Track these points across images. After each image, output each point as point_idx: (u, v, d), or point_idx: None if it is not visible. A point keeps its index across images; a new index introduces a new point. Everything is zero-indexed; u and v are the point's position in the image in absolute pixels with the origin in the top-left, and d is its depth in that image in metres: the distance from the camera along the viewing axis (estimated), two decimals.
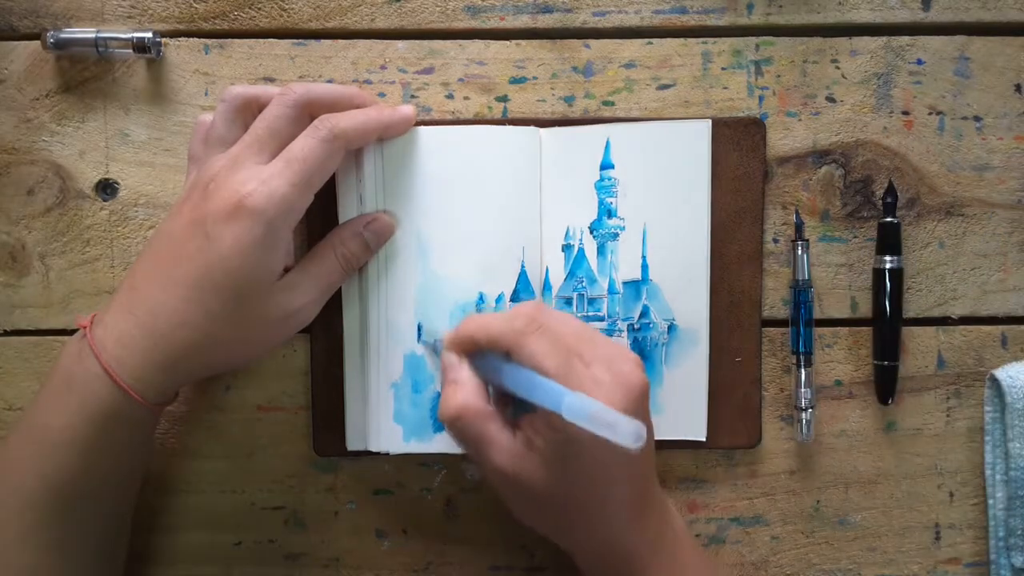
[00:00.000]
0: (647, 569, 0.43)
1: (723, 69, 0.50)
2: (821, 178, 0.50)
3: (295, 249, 0.47)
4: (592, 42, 0.50)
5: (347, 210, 0.47)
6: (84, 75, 0.50)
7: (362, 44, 0.50)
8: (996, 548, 0.50)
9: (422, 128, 0.48)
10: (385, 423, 0.48)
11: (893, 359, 0.49)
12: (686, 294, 0.49)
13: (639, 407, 0.41)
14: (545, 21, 0.50)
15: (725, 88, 0.50)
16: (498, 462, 0.42)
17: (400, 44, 0.50)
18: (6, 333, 0.51)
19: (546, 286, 0.49)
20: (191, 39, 0.50)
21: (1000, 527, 0.50)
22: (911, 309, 0.50)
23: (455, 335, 0.44)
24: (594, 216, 0.49)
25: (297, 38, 0.50)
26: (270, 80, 0.50)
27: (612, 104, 0.50)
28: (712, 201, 0.49)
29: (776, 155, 0.50)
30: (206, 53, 0.50)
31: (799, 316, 0.49)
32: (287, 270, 0.45)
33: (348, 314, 0.49)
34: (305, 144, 0.43)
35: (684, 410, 0.49)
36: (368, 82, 0.50)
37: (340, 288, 0.48)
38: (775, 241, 0.50)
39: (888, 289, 0.49)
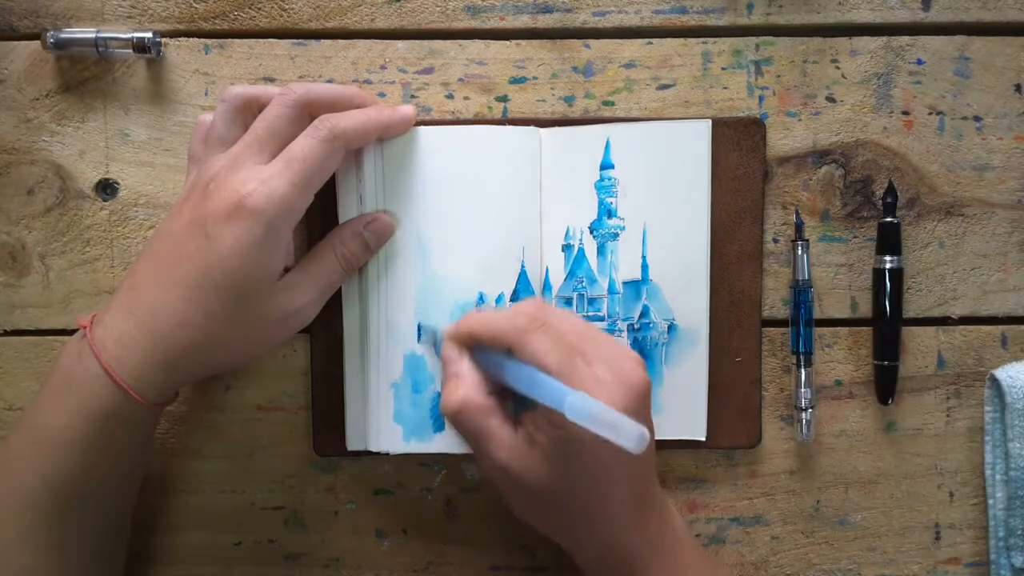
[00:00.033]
0: (647, 569, 0.43)
1: (723, 69, 0.50)
2: (821, 178, 0.50)
3: (295, 249, 0.47)
4: (592, 42, 0.50)
5: (347, 210, 0.47)
6: (84, 75, 0.50)
7: (362, 44, 0.50)
8: (996, 548, 0.50)
9: (422, 128, 0.48)
10: (385, 423, 0.48)
11: (893, 359, 0.49)
12: (686, 294, 0.49)
13: (640, 406, 0.41)
14: (545, 21, 0.50)
15: (725, 88, 0.50)
16: (499, 457, 0.42)
17: (400, 44, 0.50)
18: (6, 333, 0.51)
19: (546, 286, 0.49)
20: (191, 39, 0.50)
21: (1000, 527, 0.50)
22: (911, 309, 0.50)
23: (456, 329, 0.44)
24: (594, 216, 0.49)
25: (297, 38, 0.50)
26: (270, 80, 0.50)
27: (612, 104, 0.50)
28: (712, 201, 0.49)
29: (776, 155, 0.50)
30: (206, 53, 0.50)
31: (799, 316, 0.49)
32: (287, 270, 0.45)
33: (348, 314, 0.49)
34: (305, 144, 0.43)
35: (684, 410, 0.49)
36: (368, 82, 0.50)
37: (340, 288, 0.48)
38: (775, 241, 0.50)
39: (888, 289, 0.49)
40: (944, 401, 0.51)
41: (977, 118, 0.50)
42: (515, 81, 0.50)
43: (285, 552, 0.51)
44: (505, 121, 0.49)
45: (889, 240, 0.49)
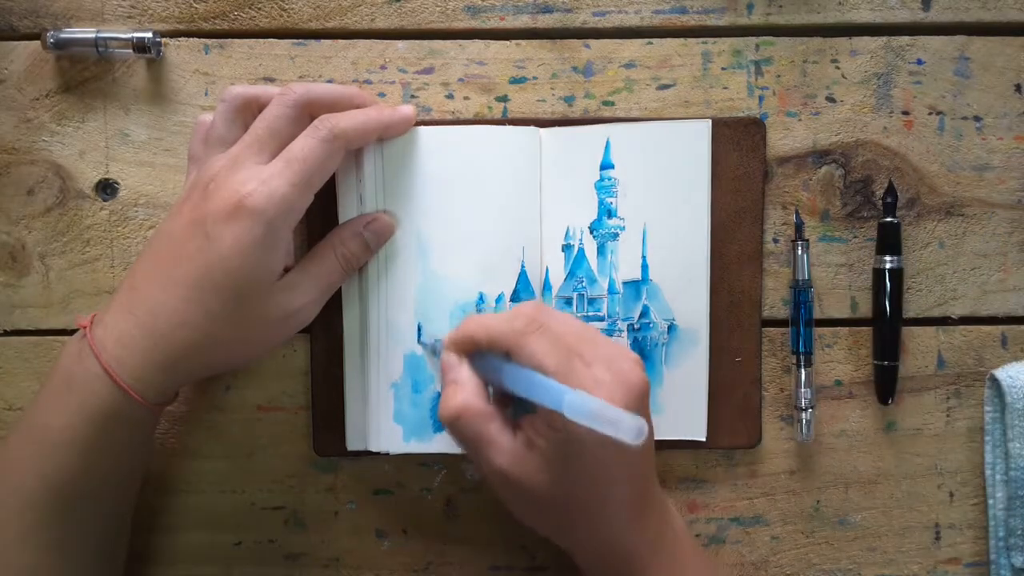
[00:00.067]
0: (647, 569, 0.43)
1: (723, 69, 0.50)
2: (821, 178, 0.50)
3: (295, 249, 0.47)
4: (592, 42, 0.50)
5: (347, 210, 0.47)
6: (84, 75, 0.50)
7: (362, 44, 0.50)
8: (996, 548, 0.50)
9: (422, 128, 0.48)
10: (385, 423, 0.48)
11: (893, 359, 0.49)
12: (686, 294, 0.49)
13: (640, 406, 0.41)
14: (545, 21, 0.50)
15: (725, 88, 0.50)
16: (498, 463, 0.42)
17: (400, 44, 0.50)
18: (6, 333, 0.51)
19: (546, 286, 0.49)
20: (191, 39, 0.50)
21: (1000, 527, 0.50)
22: (911, 309, 0.50)
23: (455, 335, 0.44)
24: (594, 216, 0.49)
25: (297, 38, 0.50)
26: (270, 80, 0.50)
27: (612, 104, 0.50)
28: (712, 201, 0.49)
29: (776, 155, 0.50)
30: (206, 53, 0.50)
31: (799, 316, 0.49)
32: (287, 270, 0.45)
33: (348, 314, 0.49)
34: (305, 144, 0.43)
35: (684, 410, 0.49)
36: (368, 82, 0.50)
37: (340, 288, 0.48)
38: (775, 241, 0.50)
39: (888, 289, 0.49)
40: (944, 401, 0.51)
41: (977, 118, 0.50)
42: (515, 81, 0.50)
43: (285, 552, 0.51)
44: (505, 121, 0.49)
45: (889, 240, 0.49)
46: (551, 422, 0.40)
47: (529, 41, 0.50)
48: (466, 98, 0.50)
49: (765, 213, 0.50)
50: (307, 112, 0.44)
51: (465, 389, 0.43)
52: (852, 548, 0.51)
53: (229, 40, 0.50)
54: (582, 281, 0.49)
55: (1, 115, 0.50)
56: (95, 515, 0.45)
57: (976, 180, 0.50)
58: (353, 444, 0.49)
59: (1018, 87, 0.50)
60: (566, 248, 0.49)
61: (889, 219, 0.49)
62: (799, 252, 0.49)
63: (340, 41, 0.50)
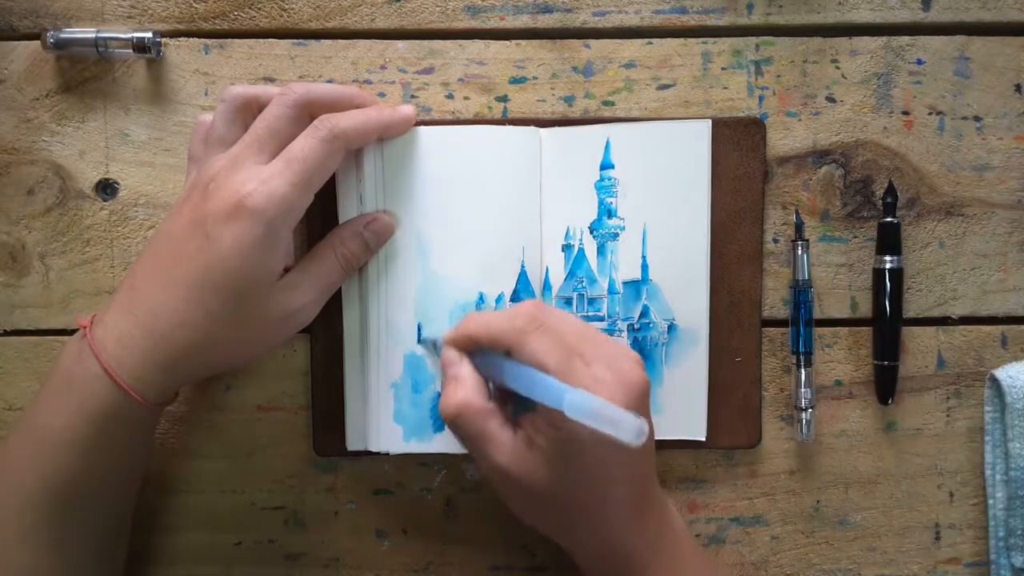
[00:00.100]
0: (647, 569, 0.43)
1: (723, 69, 0.50)
2: (821, 178, 0.50)
3: (295, 249, 0.47)
4: (592, 42, 0.50)
5: (347, 210, 0.47)
6: (84, 75, 0.50)
7: (362, 44, 0.50)
8: (996, 548, 0.50)
9: (422, 128, 0.48)
10: (385, 423, 0.48)
11: (893, 359, 0.49)
12: (686, 294, 0.49)
13: (640, 405, 0.41)
14: (545, 21, 0.50)
15: (725, 88, 0.50)
16: (498, 460, 0.42)
17: (400, 44, 0.50)
18: (6, 333, 0.51)
19: (546, 286, 0.49)
20: (191, 39, 0.50)
21: (1000, 527, 0.50)
22: (911, 309, 0.50)
23: (456, 333, 0.44)
24: (594, 216, 0.49)
25: (297, 38, 0.50)
26: (270, 80, 0.50)
27: (612, 104, 0.50)
28: (712, 201, 0.49)
29: (776, 155, 0.50)
30: (206, 53, 0.50)
31: (799, 316, 0.49)
32: (287, 270, 0.45)
33: (348, 314, 0.49)
34: (305, 144, 0.43)
35: (684, 410, 0.49)
36: (368, 82, 0.50)
37: (340, 288, 0.48)
38: (775, 241, 0.50)
39: (888, 289, 0.49)
40: (944, 401, 0.51)
41: (977, 118, 0.50)
42: (515, 81, 0.50)
43: (285, 552, 0.51)
44: (505, 121, 0.49)
45: (889, 240, 0.49)
46: (552, 420, 0.40)
47: (529, 41, 0.50)
48: (466, 98, 0.50)
49: (765, 213, 0.50)
50: (307, 112, 0.44)
51: (466, 386, 0.43)
52: (852, 548, 0.51)
53: (229, 40, 0.50)
54: (582, 281, 0.49)
55: (1, 115, 0.50)
56: (95, 515, 0.45)
57: (976, 180, 0.50)
58: (353, 444, 0.49)
59: (1018, 87, 0.50)
60: (566, 248, 0.49)
61: (889, 219, 0.49)
62: (799, 252, 0.49)
63: (340, 41, 0.50)
